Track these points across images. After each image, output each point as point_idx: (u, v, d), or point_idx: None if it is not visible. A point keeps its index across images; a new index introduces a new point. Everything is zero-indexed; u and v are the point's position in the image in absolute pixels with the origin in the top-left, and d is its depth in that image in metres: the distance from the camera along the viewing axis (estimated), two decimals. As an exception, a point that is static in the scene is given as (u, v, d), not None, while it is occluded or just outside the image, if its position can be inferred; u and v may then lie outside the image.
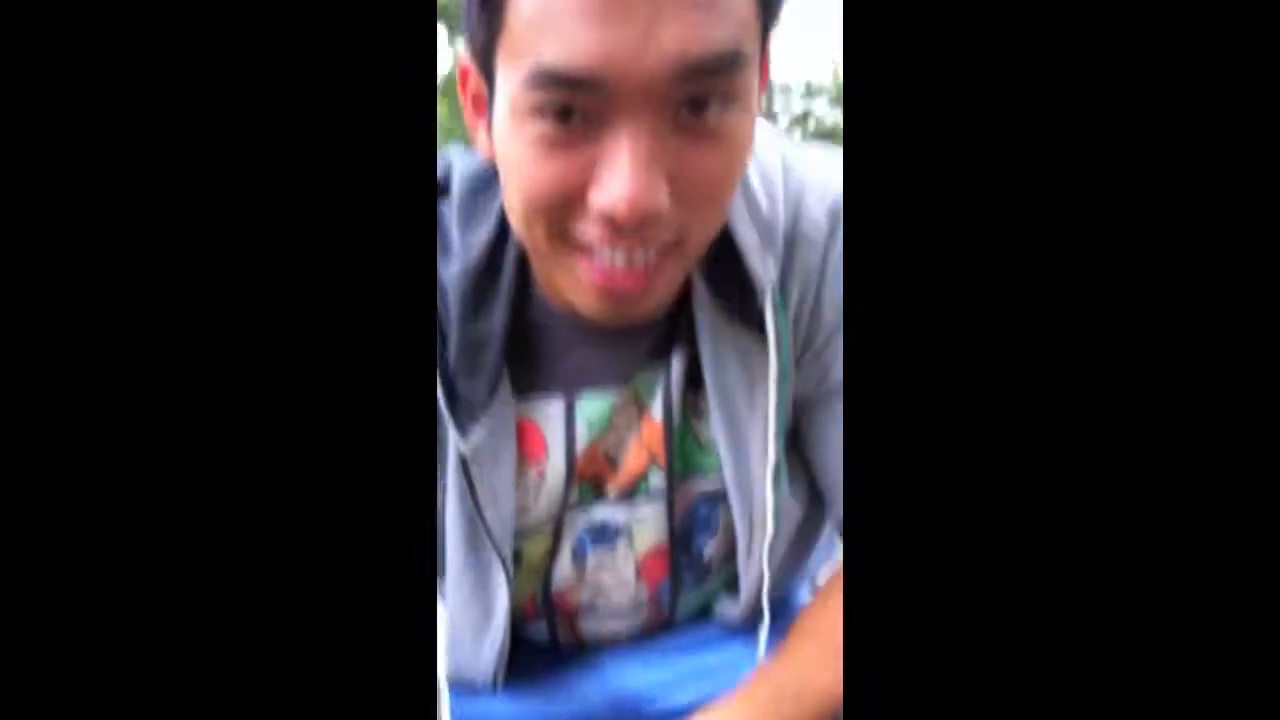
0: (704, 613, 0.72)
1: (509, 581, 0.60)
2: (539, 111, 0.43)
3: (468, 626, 0.62)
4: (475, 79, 0.51)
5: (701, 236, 0.49)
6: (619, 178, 0.43)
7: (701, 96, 0.43)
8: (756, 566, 0.63)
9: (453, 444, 0.57)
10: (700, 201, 0.46)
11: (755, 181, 0.57)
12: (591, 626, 0.69)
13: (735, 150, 0.47)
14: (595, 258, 0.47)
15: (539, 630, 0.69)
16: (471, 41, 0.48)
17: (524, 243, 0.52)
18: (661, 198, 0.44)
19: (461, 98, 0.53)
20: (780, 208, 0.57)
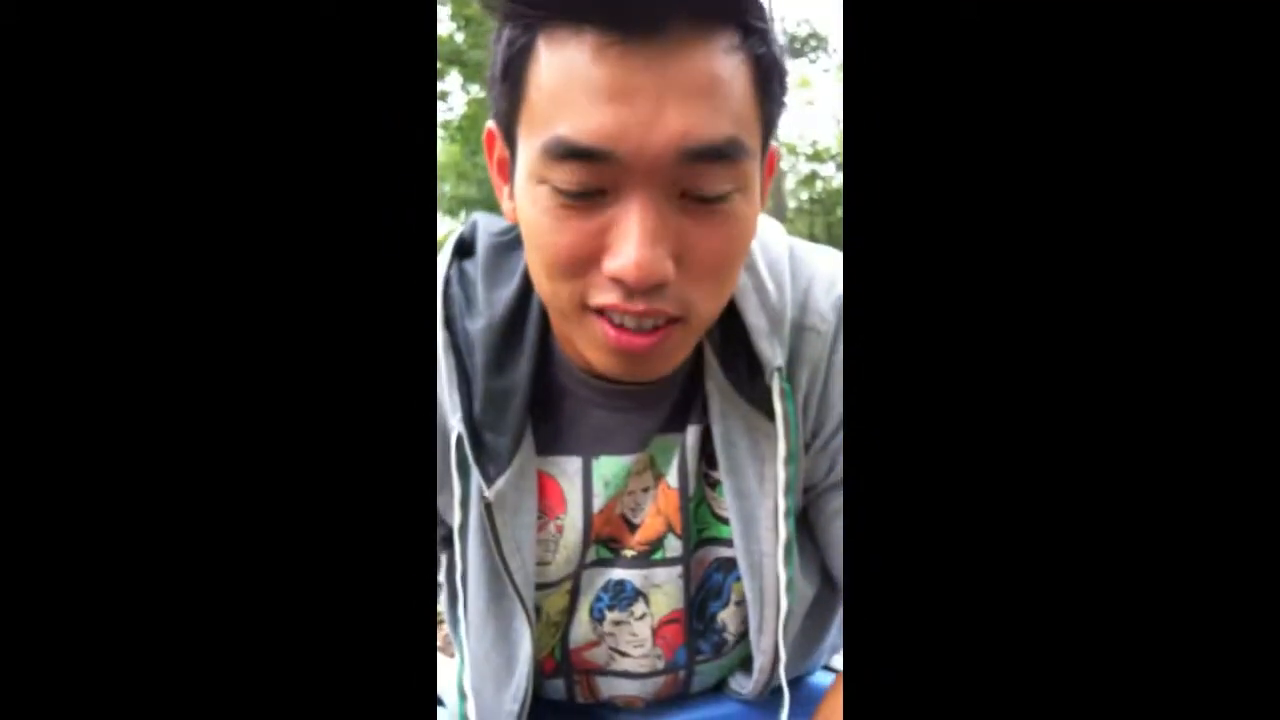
0: (721, 686, 0.71)
1: (531, 630, 0.61)
2: (555, 180, 0.46)
3: (490, 677, 0.62)
4: (500, 145, 0.54)
5: (705, 312, 0.51)
6: (629, 245, 0.46)
7: (705, 179, 0.46)
8: (769, 643, 0.62)
9: (476, 493, 0.58)
10: (703, 277, 0.49)
11: (764, 271, 0.59)
12: (609, 687, 0.68)
13: (738, 233, 0.49)
14: (609, 319, 0.49)
15: (556, 688, 0.69)
16: (495, 110, 0.52)
17: (545, 301, 0.54)
18: (667, 265, 0.47)
19: (488, 161, 0.57)
20: (788, 297, 0.59)
